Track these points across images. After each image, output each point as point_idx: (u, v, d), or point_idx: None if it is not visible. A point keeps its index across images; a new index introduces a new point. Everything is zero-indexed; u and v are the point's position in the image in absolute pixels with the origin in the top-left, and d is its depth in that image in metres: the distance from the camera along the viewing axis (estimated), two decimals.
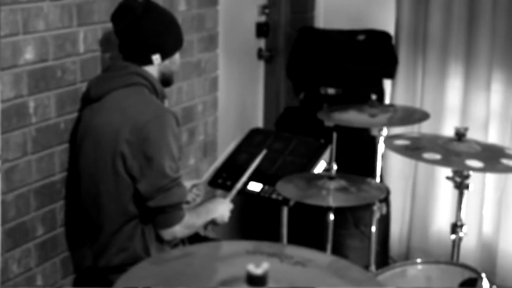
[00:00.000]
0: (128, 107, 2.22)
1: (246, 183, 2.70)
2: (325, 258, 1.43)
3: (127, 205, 2.24)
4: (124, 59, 2.34)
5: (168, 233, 2.23)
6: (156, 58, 2.32)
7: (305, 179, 2.57)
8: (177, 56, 2.41)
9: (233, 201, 2.57)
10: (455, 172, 2.61)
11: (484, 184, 3.51)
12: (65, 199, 2.45)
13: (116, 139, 2.18)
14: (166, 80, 2.41)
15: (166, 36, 2.34)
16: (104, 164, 2.22)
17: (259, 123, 3.98)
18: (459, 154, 2.50)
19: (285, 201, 2.67)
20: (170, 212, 2.21)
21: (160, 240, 2.29)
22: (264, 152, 2.77)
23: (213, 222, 2.44)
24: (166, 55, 2.35)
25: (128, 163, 2.18)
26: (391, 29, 3.66)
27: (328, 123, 3.17)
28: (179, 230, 2.24)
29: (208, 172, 2.87)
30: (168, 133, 2.20)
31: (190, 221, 2.28)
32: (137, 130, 2.17)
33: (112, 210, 2.25)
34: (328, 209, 2.65)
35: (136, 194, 2.22)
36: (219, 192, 2.97)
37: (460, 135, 2.57)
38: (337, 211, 2.72)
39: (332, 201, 2.45)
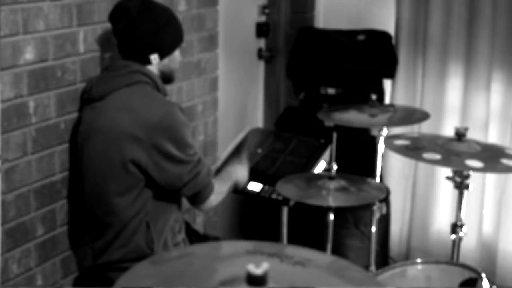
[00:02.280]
0: (136, 106, 2.22)
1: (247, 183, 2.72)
2: (325, 258, 1.43)
3: (135, 202, 2.25)
4: (123, 59, 2.33)
5: (205, 206, 2.37)
6: (154, 58, 2.31)
7: (305, 179, 2.57)
8: (177, 54, 2.39)
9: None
10: (455, 172, 2.61)
11: (484, 184, 3.51)
12: (66, 199, 2.45)
13: (126, 138, 2.18)
14: (166, 78, 2.40)
15: (162, 35, 2.31)
16: (112, 163, 2.22)
17: (259, 123, 3.98)
18: (459, 154, 2.50)
19: (285, 201, 2.67)
20: (204, 190, 2.32)
21: (166, 236, 2.32)
22: (248, 128, 2.84)
23: (235, 185, 2.54)
24: (164, 54, 2.34)
25: (142, 162, 2.19)
26: (391, 29, 3.66)
27: (328, 123, 3.16)
28: (213, 199, 2.36)
29: None
30: (179, 126, 2.23)
31: (220, 189, 2.40)
32: (149, 128, 2.17)
33: (120, 208, 2.25)
34: (328, 209, 2.65)
35: (155, 188, 2.25)
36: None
37: (460, 135, 2.58)
38: (337, 211, 2.72)
39: (332, 201, 2.46)
